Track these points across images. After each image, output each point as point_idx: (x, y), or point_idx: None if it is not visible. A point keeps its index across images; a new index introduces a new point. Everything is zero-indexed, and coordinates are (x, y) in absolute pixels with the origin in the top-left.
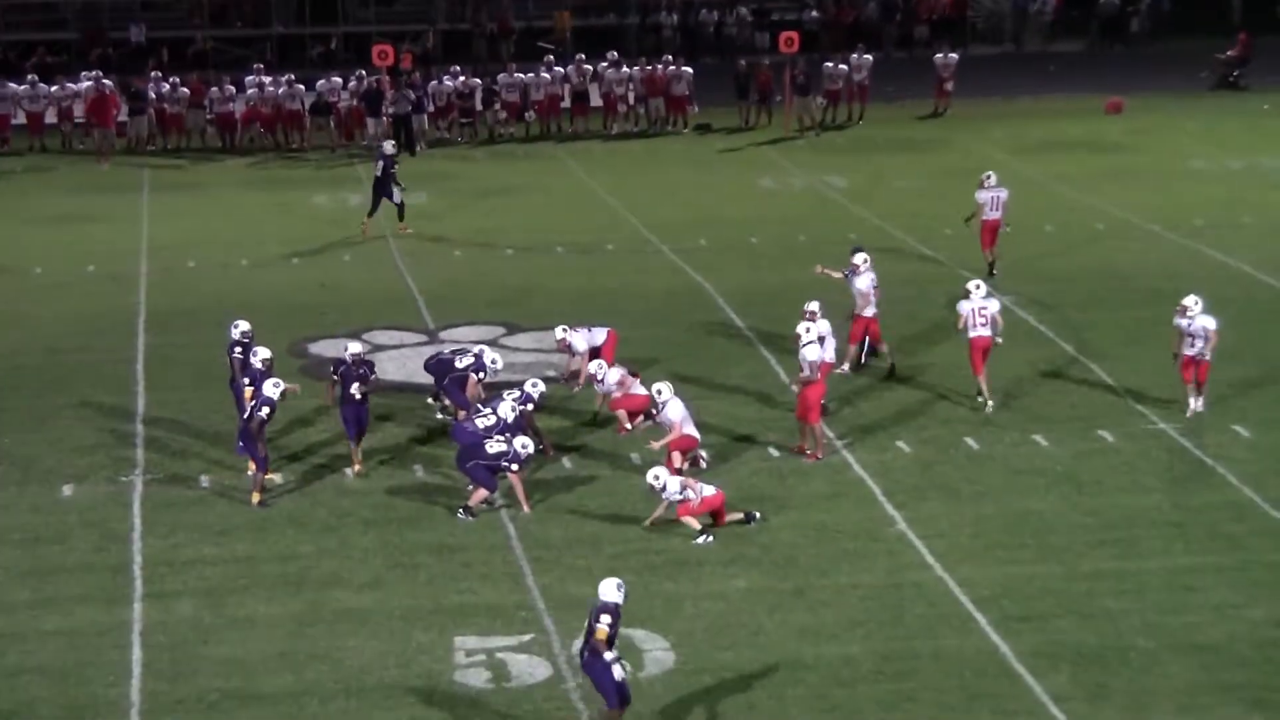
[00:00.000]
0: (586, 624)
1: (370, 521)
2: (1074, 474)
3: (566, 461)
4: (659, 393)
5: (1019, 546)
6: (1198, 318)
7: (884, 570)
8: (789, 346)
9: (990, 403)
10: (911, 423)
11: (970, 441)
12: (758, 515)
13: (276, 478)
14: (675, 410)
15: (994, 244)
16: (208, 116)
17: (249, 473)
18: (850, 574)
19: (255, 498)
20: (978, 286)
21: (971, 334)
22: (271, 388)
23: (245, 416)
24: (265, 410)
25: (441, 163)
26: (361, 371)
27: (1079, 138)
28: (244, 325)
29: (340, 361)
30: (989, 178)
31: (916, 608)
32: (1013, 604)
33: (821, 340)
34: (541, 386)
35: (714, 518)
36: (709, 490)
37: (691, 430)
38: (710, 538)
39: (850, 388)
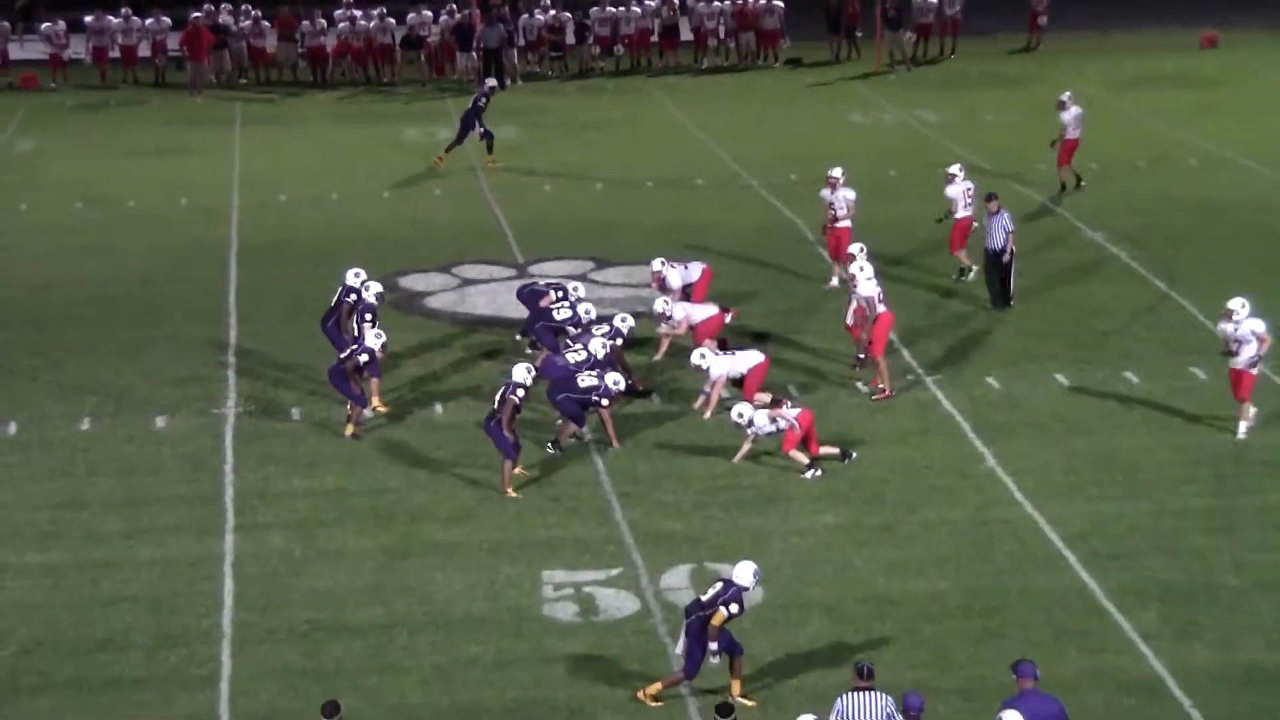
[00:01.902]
0: (711, 593)
1: (459, 455)
2: (1164, 411)
3: (655, 397)
4: (701, 357)
5: (1108, 484)
6: (1244, 322)
7: (972, 507)
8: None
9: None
10: (1001, 358)
11: (1060, 378)
12: (853, 454)
13: (369, 412)
14: (721, 367)
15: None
16: (299, 50)
17: (348, 407)
18: (939, 510)
19: (349, 430)
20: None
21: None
22: (374, 338)
23: (342, 357)
24: (364, 357)
25: (532, 97)
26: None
27: (1173, 72)
28: (363, 275)
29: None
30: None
31: (1005, 544)
32: (1102, 541)
33: (871, 280)
34: (631, 321)
35: (805, 446)
36: (795, 411)
37: (743, 366)
38: (818, 471)
39: (938, 322)
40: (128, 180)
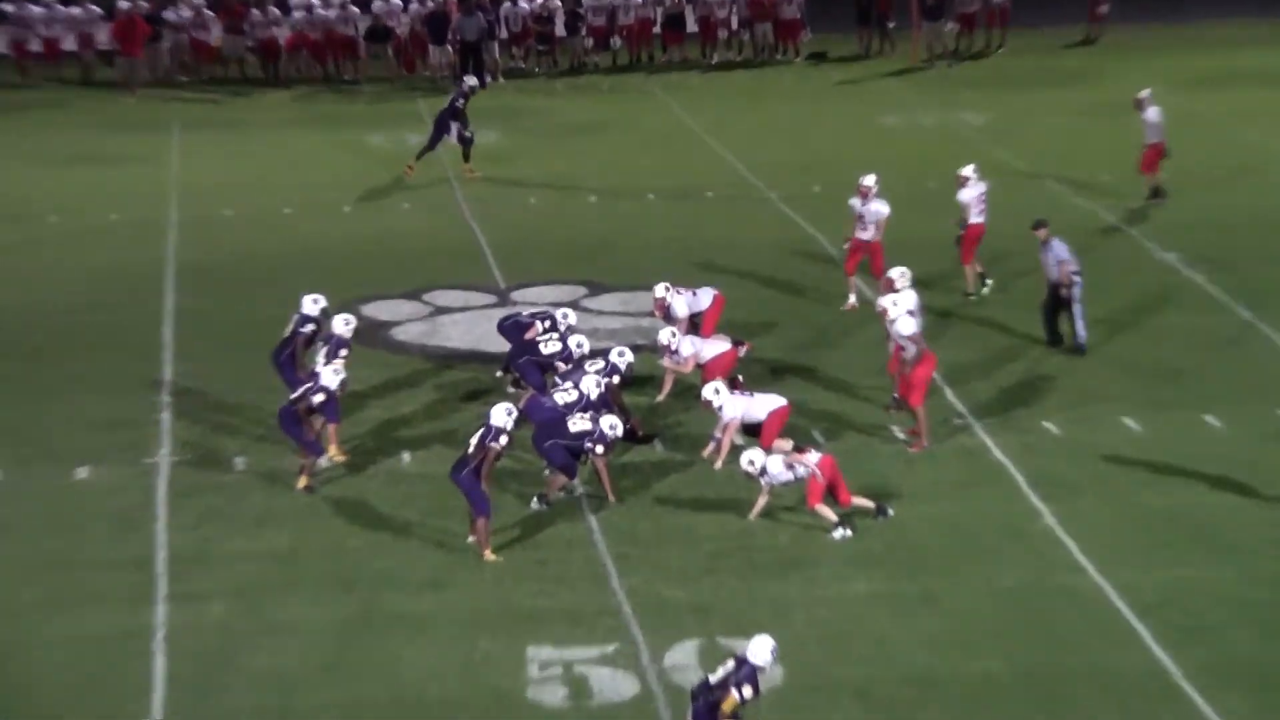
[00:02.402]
0: (722, 672)
1: (430, 512)
2: (1251, 462)
3: (658, 444)
4: (715, 393)
5: (1187, 546)
6: None
7: (1029, 572)
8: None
9: None
10: (1061, 400)
11: (1129, 422)
12: (889, 511)
13: (324, 461)
14: (736, 408)
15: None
16: (247, 44)
17: (301, 456)
18: (989, 576)
19: (302, 482)
20: None
21: None
22: (332, 376)
23: (294, 397)
24: (319, 397)
25: (515, 96)
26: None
27: (1256, 69)
28: (322, 301)
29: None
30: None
31: (1067, 617)
32: (1180, 614)
33: (913, 313)
34: (629, 356)
35: (834, 499)
36: (815, 456)
37: (761, 411)
38: (848, 530)
39: (987, 356)
40: (49, 192)
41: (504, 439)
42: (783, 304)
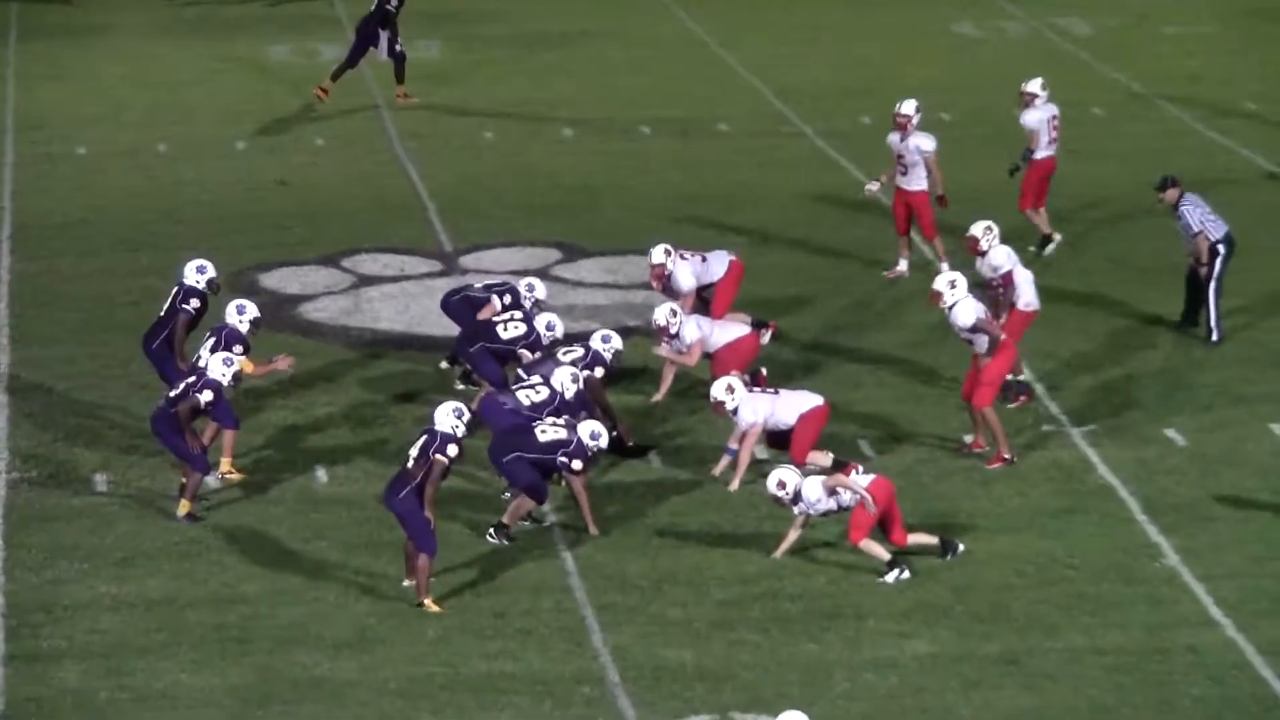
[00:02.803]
0: None
1: (352, 546)
2: None
3: (654, 457)
4: (729, 391)
5: None
6: None
7: (1143, 627)
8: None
9: None
10: (1189, 401)
11: (1278, 430)
12: (960, 547)
13: (214, 480)
14: (756, 410)
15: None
16: None
17: (181, 474)
18: (1091, 632)
19: (184, 508)
20: None
21: None
22: (220, 365)
23: (172, 395)
24: (206, 395)
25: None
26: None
27: None
28: (210, 270)
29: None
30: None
31: (1194, 685)
32: None
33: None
34: (617, 342)
35: (885, 532)
36: (865, 479)
37: (791, 414)
38: (905, 573)
39: (1094, 344)
40: None
41: (452, 449)
42: (821, 272)
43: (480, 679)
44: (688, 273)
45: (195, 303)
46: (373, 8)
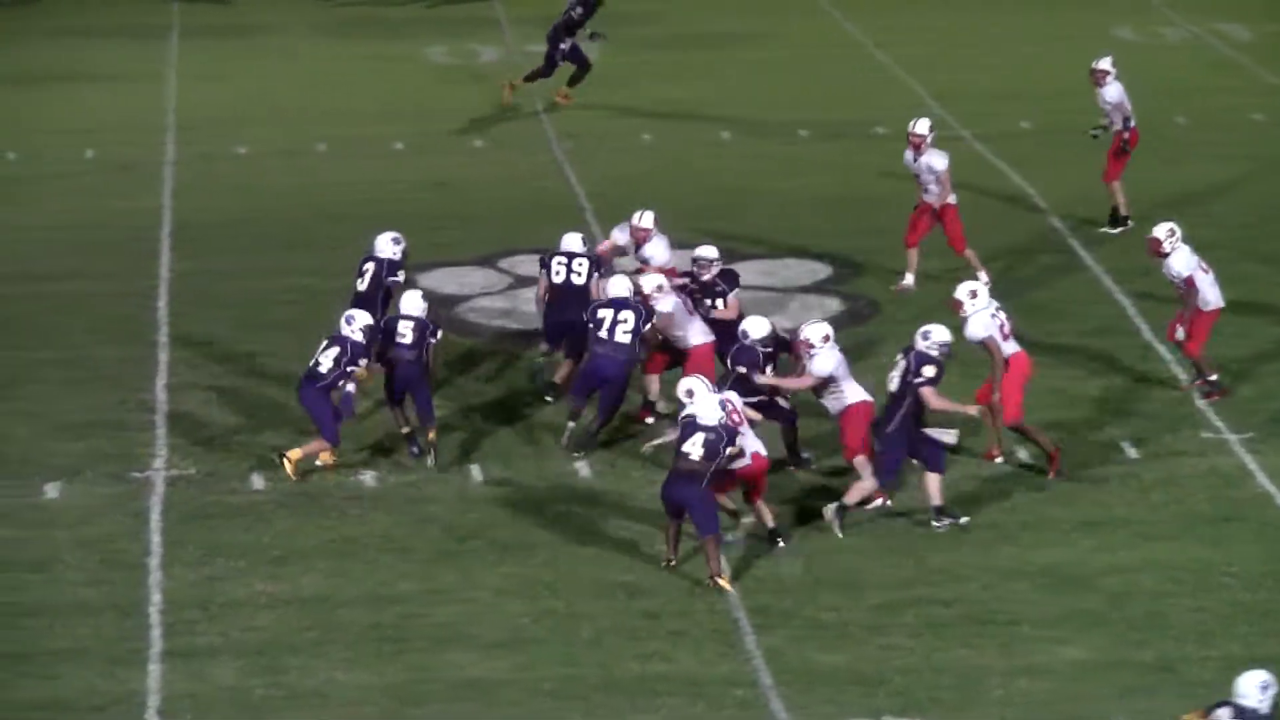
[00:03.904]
0: None
1: (507, 546)
2: None
3: (808, 454)
4: (687, 394)
5: None
6: None
7: None
8: (1163, 288)
9: None
10: None
11: None
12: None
13: (326, 458)
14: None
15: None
16: None
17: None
18: (1250, 641)
19: (292, 463)
20: None
21: None
22: (357, 335)
23: (324, 371)
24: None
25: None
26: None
27: None
28: (404, 242)
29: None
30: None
31: None
32: None
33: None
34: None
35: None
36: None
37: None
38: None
39: (1252, 344)
40: (6, 122)
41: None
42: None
43: (633, 680)
44: (661, 247)
45: (402, 275)
46: (562, 15)
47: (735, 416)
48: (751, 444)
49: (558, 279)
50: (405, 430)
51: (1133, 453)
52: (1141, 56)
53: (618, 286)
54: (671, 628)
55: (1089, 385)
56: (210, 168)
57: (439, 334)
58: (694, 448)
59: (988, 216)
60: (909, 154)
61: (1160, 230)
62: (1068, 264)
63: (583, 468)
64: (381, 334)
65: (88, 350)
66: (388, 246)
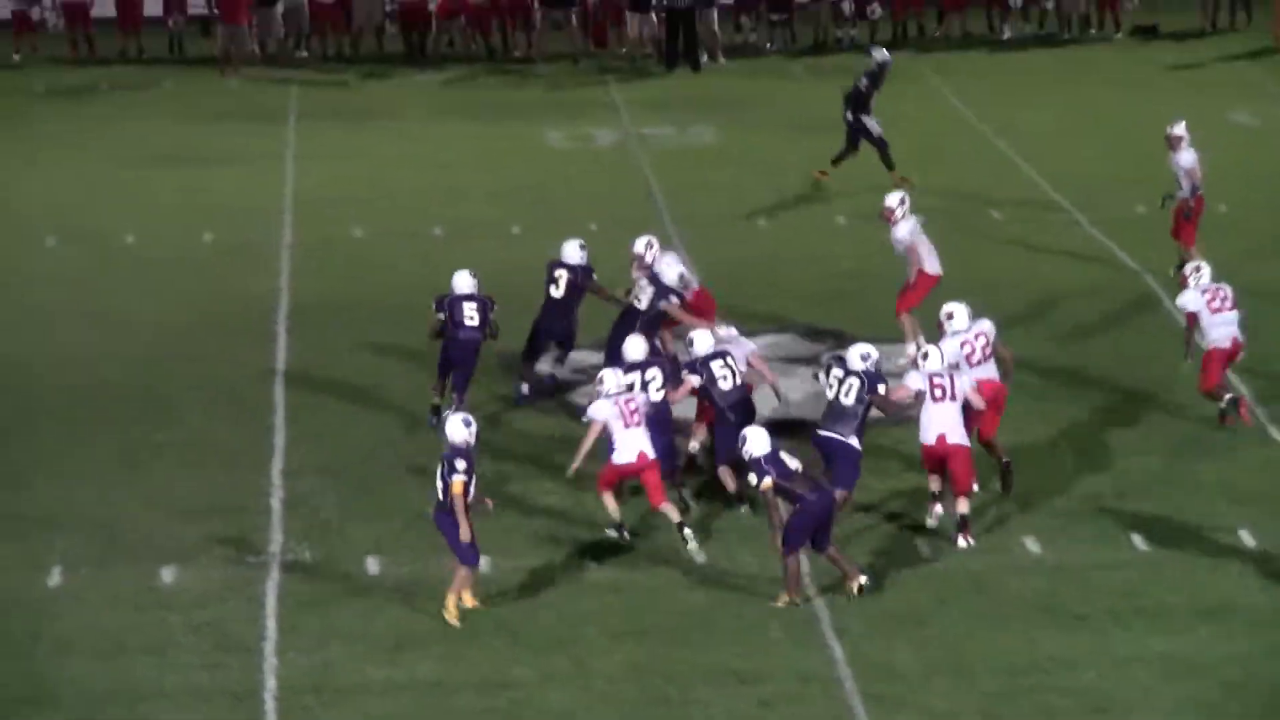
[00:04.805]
0: None
1: (620, 634)
2: None
3: (933, 518)
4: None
5: None
6: None
7: None
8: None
9: None
10: None
11: None
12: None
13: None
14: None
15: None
16: (386, 7)
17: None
18: None
19: (452, 606)
20: None
21: None
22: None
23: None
24: (460, 470)
25: (739, 81)
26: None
27: None
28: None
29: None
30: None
31: None
32: None
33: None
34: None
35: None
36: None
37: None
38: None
39: None
40: (125, 204)
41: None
42: (1098, 372)
43: None
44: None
45: (596, 277)
46: (862, 88)
47: (630, 407)
48: (637, 442)
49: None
50: (437, 401)
51: (1249, 540)
52: (1259, 142)
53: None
54: (785, 714)
55: (1202, 469)
56: (327, 250)
57: (494, 306)
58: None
59: (1102, 304)
60: (893, 230)
61: (1188, 268)
62: (1180, 349)
63: (695, 552)
64: (446, 314)
65: (205, 432)
66: (575, 252)
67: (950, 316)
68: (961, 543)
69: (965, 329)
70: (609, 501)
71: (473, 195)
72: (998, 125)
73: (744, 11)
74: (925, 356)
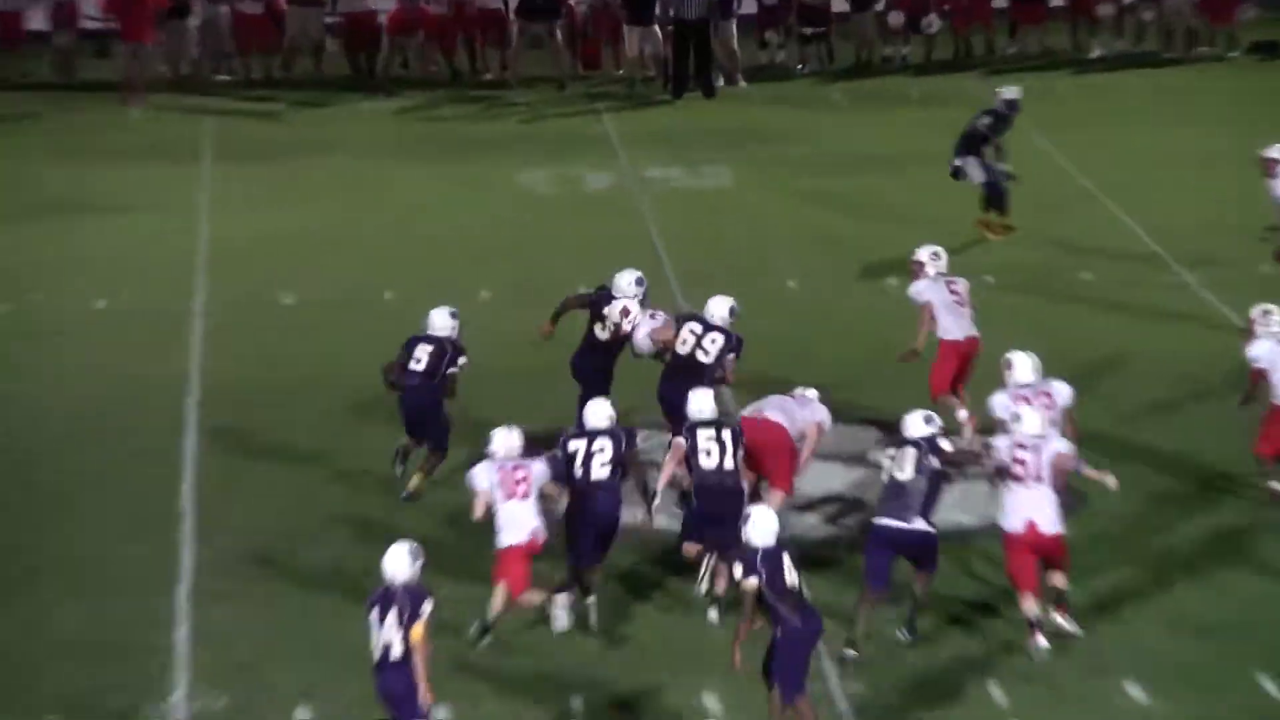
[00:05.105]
0: None
1: None
2: None
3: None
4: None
5: None
6: None
7: None
8: None
9: None
10: None
11: None
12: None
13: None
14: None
15: None
16: (326, 17)
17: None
18: None
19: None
20: None
21: None
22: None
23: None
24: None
25: (763, 110)
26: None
27: None
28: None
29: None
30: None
31: None
32: None
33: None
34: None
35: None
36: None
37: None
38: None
39: None
40: (2, 262)
41: None
42: (1206, 446)
43: None
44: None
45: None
46: (984, 130)
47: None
48: (527, 518)
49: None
50: (405, 442)
51: None
52: None
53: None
54: None
55: None
56: (249, 320)
57: (461, 358)
58: None
59: (1217, 378)
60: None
61: (1255, 310)
62: None
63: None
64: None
65: (95, 548)
66: (630, 286)
67: (1010, 366)
68: (1060, 620)
69: (1028, 384)
70: (532, 598)
71: (432, 252)
72: (1085, 163)
73: (770, 24)
74: (1018, 418)
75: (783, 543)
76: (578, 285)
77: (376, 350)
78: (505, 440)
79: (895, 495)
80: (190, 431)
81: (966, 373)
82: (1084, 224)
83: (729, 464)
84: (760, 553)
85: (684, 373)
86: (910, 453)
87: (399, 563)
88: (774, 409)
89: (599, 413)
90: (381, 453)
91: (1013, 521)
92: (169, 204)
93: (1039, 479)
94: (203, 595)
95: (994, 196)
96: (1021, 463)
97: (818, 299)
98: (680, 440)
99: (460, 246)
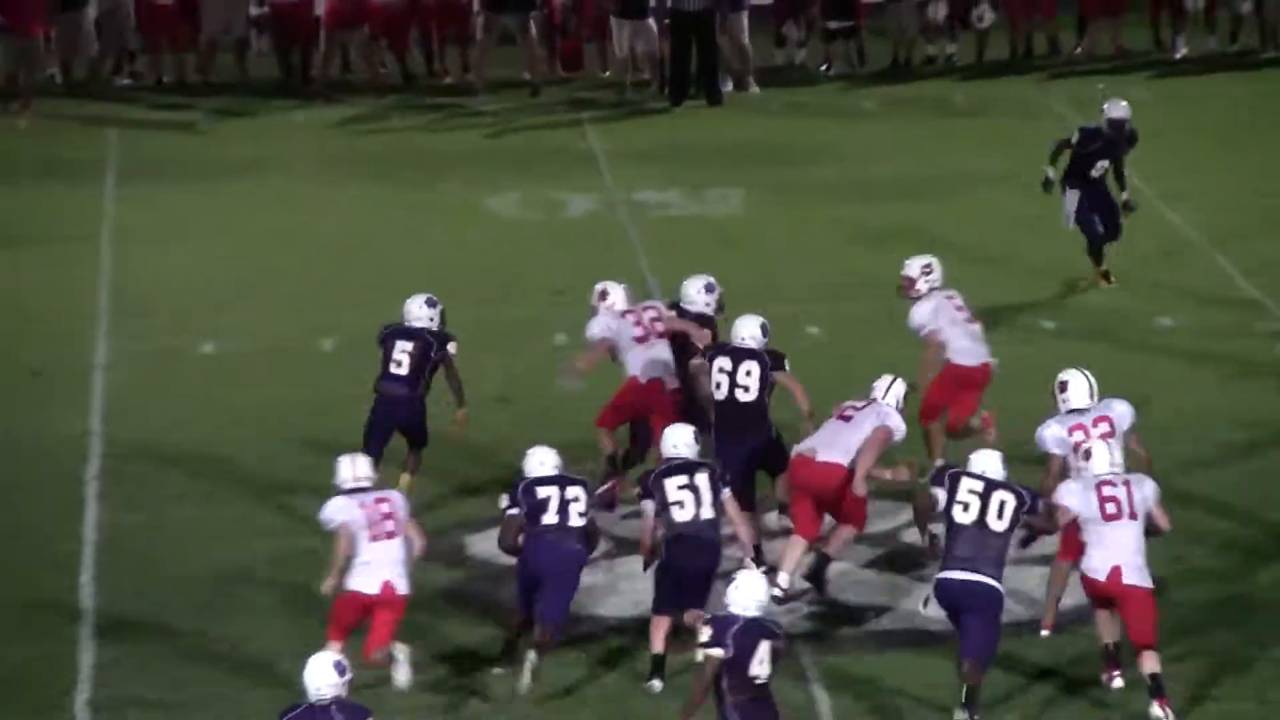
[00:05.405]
0: None
1: None
2: None
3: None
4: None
5: None
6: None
7: None
8: None
9: None
10: None
11: None
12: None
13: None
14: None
15: None
16: (251, 8)
17: None
18: None
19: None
20: None
21: None
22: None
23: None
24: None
25: (780, 122)
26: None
27: None
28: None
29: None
30: None
31: None
32: None
33: None
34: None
35: None
36: None
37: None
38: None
39: None
40: None
41: None
42: None
43: None
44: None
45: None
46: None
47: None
48: (386, 565)
49: None
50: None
51: None
52: None
53: None
54: None
55: None
56: (162, 373)
57: (447, 353)
58: None
59: None
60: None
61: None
62: None
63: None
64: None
65: None
66: (699, 295)
67: (1064, 387)
68: (1158, 711)
69: (1085, 409)
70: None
71: (379, 292)
72: (1167, 186)
73: (789, 17)
74: (1088, 456)
75: (769, 625)
76: (555, 332)
77: (311, 409)
78: (347, 467)
79: (979, 547)
80: (90, 507)
81: (974, 406)
82: (1164, 261)
83: (706, 513)
84: (739, 624)
85: (732, 421)
86: (1007, 500)
87: (318, 674)
88: (826, 446)
89: (682, 439)
90: (312, 522)
91: (1097, 569)
92: (64, 234)
93: (1134, 516)
94: (104, 705)
95: (1089, 240)
96: (1113, 500)
97: (843, 349)
98: (647, 504)
99: (414, 285)
